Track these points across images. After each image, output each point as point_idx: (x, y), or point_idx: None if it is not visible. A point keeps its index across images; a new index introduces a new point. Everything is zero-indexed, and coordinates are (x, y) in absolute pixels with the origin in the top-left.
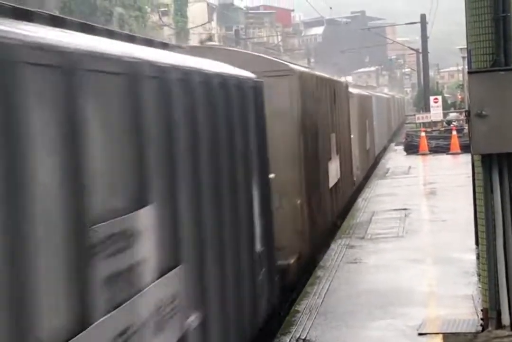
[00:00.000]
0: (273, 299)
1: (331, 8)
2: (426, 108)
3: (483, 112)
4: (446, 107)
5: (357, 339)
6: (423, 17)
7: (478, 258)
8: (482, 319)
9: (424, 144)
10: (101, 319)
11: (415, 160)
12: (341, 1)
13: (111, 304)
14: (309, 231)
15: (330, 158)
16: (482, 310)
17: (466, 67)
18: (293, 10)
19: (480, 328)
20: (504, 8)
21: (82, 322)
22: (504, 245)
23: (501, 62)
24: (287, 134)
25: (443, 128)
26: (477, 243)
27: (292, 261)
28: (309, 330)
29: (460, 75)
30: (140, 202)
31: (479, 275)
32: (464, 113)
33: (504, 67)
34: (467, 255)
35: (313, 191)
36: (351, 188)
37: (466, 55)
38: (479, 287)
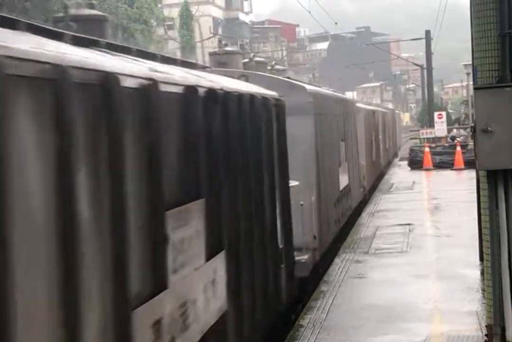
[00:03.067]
0: None
1: (336, 23)
2: (430, 124)
3: (489, 128)
4: (450, 123)
5: None
6: (427, 33)
7: (482, 273)
8: (486, 335)
9: (428, 159)
10: None
11: (419, 176)
12: (346, 17)
13: None
14: None
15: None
16: (486, 326)
17: (471, 83)
18: (298, 25)
19: None
20: (510, 24)
21: None
22: (509, 260)
23: (506, 78)
24: None
25: (447, 144)
26: (481, 258)
27: None
28: None
29: (465, 91)
30: None
31: (483, 290)
32: (470, 129)
33: (510, 83)
34: (471, 270)
35: None
36: None
37: (470, 71)
38: (484, 303)
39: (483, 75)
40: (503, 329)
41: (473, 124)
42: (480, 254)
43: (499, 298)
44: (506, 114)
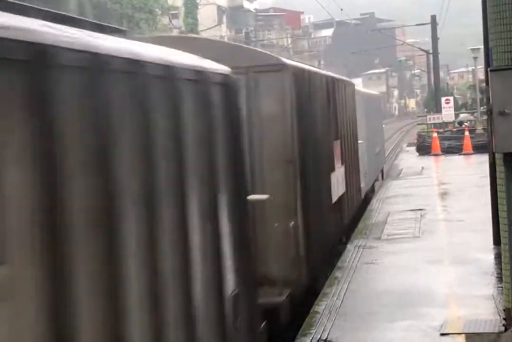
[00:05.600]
0: None
1: (342, 9)
2: (437, 109)
3: (506, 111)
4: (457, 108)
5: (380, 340)
6: (433, 18)
7: (496, 258)
8: (504, 319)
9: (436, 145)
10: None
11: (428, 161)
12: (351, 3)
13: None
14: None
15: None
16: (504, 310)
17: (479, 67)
18: (302, 12)
19: (502, 328)
20: None
21: None
22: None
23: None
24: None
25: (454, 129)
26: (495, 242)
27: None
28: (329, 331)
29: (470, 76)
30: None
31: (498, 274)
32: (486, 112)
33: None
34: (485, 255)
35: None
36: None
37: (478, 55)
38: (500, 287)
39: (498, 57)
40: None
41: (488, 107)
42: (494, 237)
43: None
44: None
